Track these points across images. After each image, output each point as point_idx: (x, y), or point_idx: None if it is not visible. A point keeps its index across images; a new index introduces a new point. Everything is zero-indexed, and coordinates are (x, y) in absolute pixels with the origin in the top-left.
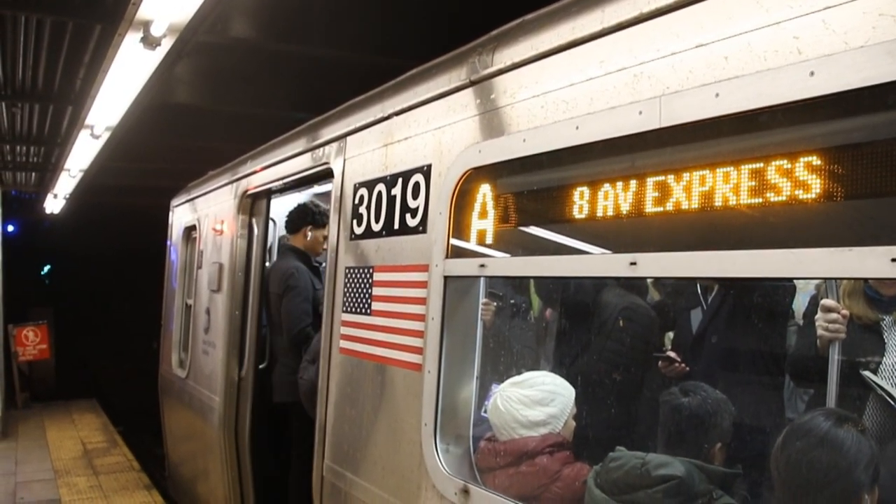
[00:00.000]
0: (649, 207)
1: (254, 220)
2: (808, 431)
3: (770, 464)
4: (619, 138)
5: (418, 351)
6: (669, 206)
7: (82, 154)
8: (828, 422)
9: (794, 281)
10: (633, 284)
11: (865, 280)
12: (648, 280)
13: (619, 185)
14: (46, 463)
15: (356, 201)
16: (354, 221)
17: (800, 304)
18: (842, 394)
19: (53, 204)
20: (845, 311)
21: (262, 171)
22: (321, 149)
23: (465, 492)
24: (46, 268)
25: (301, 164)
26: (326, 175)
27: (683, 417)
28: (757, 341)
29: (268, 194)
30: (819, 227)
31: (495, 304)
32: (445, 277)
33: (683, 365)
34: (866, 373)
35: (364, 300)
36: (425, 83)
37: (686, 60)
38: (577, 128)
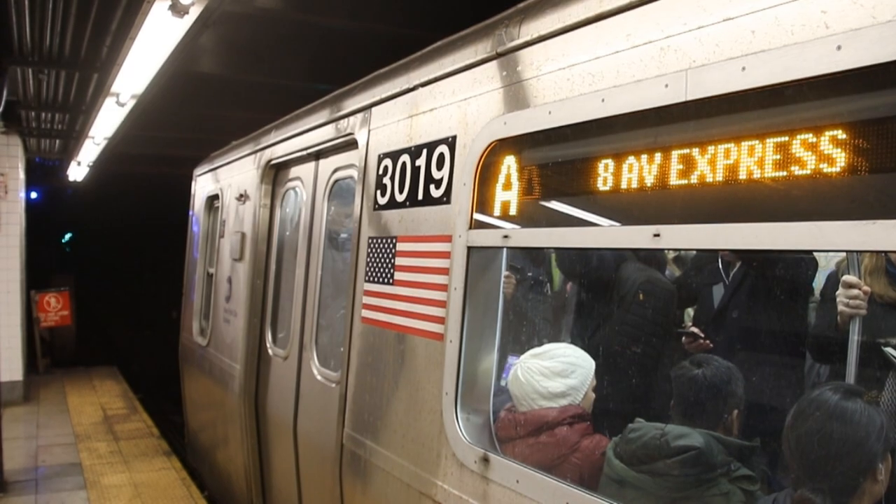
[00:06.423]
0: (674, 180)
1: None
2: (816, 408)
3: (782, 442)
4: (644, 111)
5: (440, 320)
6: (694, 179)
7: (107, 122)
8: (835, 395)
9: (816, 257)
10: (654, 258)
11: (887, 258)
12: (669, 256)
13: (644, 157)
14: (67, 427)
15: (380, 172)
16: (378, 192)
17: (820, 282)
18: (862, 370)
19: (77, 171)
20: (866, 288)
21: (286, 141)
22: (346, 119)
23: (485, 460)
24: (67, 236)
25: (325, 135)
26: (350, 145)
27: (701, 388)
28: (778, 316)
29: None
30: (843, 200)
31: (517, 277)
32: (469, 248)
33: (707, 341)
34: (888, 349)
35: (386, 270)
36: (451, 55)
37: (713, 34)
38: (603, 100)
